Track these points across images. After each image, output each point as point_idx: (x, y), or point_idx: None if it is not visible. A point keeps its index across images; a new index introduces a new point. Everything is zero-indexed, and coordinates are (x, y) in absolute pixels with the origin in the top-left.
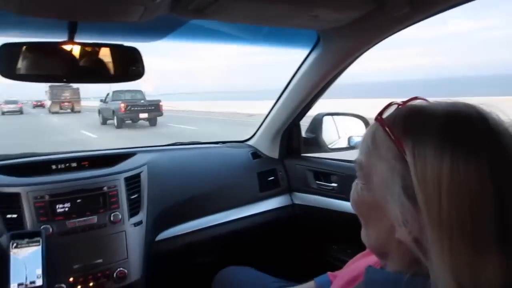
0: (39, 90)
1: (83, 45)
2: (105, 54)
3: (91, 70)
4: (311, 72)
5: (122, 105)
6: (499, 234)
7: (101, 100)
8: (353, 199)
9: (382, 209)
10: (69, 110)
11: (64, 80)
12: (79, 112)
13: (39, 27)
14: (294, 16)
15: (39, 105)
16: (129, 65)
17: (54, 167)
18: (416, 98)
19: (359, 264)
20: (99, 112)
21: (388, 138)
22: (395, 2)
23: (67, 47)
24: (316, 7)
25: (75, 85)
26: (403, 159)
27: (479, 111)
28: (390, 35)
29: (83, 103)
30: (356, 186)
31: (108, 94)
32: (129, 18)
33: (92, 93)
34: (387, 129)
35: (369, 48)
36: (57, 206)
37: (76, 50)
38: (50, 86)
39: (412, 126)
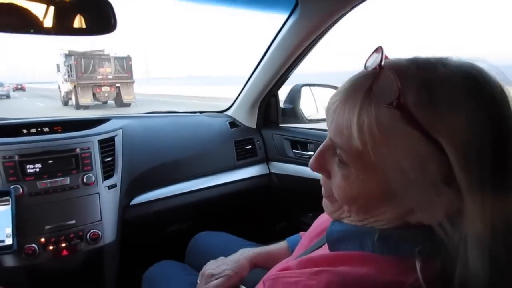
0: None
1: None
2: (75, 6)
3: (60, 22)
4: (289, 39)
5: None
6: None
7: None
8: (349, 194)
9: (393, 199)
10: (107, 101)
11: (31, 31)
12: (128, 105)
13: None
14: None
15: (19, 88)
16: (101, 18)
17: (25, 130)
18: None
19: (327, 218)
20: None
21: (412, 128)
22: None
23: None
24: None
25: (123, 53)
26: (435, 146)
27: (487, 74)
28: None
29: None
30: (350, 177)
31: None
32: None
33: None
34: (416, 120)
35: (348, 11)
36: (27, 167)
37: (44, 0)
38: (68, 55)
39: (438, 108)
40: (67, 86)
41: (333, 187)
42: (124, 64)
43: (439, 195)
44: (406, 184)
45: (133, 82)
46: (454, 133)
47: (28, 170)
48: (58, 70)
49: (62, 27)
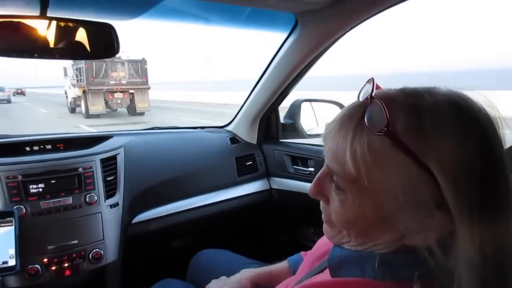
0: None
1: (56, 20)
2: (79, 30)
3: (64, 46)
4: (289, 57)
5: None
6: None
7: None
8: (346, 218)
9: (388, 222)
10: (117, 109)
11: (36, 55)
12: (142, 114)
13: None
14: None
15: (19, 92)
16: (104, 42)
17: (28, 148)
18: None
19: (328, 241)
20: None
21: (402, 154)
22: None
23: (39, 22)
24: None
25: (138, 56)
26: (425, 170)
27: (472, 100)
28: (370, 17)
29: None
30: (346, 202)
31: None
32: None
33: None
34: (405, 146)
35: (347, 31)
36: (30, 187)
37: (48, 25)
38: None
39: (426, 134)
40: (75, 92)
41: (331, 212)
42: (139, 68)
43: (431, 217)
44: (399, 207)
45: (149, 88)
46: (442, 157)
47: (31, 190)
48: (65, 74)
49: (67, 51)
